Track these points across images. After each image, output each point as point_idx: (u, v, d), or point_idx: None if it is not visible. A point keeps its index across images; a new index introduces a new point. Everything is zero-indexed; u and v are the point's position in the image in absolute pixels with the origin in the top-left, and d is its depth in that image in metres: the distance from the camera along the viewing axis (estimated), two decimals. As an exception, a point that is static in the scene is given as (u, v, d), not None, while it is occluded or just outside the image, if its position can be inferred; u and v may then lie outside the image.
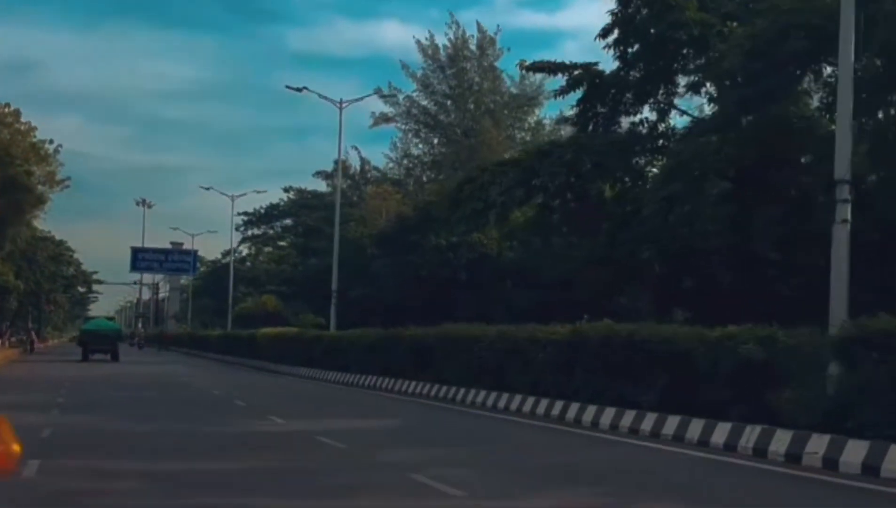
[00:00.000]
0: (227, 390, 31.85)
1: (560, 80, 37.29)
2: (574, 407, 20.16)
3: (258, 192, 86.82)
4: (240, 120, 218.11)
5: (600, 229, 38.69)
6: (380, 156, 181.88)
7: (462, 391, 25.96)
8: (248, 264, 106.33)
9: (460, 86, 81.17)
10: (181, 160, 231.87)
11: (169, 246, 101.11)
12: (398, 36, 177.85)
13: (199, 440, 17.24)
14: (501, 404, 23.44)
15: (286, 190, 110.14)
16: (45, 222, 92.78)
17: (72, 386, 34.43)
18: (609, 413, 19.03)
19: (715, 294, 36.44)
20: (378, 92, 67.18)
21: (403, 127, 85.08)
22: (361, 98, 63.29)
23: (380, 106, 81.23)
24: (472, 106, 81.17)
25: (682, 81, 36.74)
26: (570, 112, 39.97)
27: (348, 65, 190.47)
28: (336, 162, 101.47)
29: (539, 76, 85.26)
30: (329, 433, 17.97)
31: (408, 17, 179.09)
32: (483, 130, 75.79)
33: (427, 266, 57.43)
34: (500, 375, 24.02)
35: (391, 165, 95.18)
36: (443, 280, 57.70)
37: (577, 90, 37.00)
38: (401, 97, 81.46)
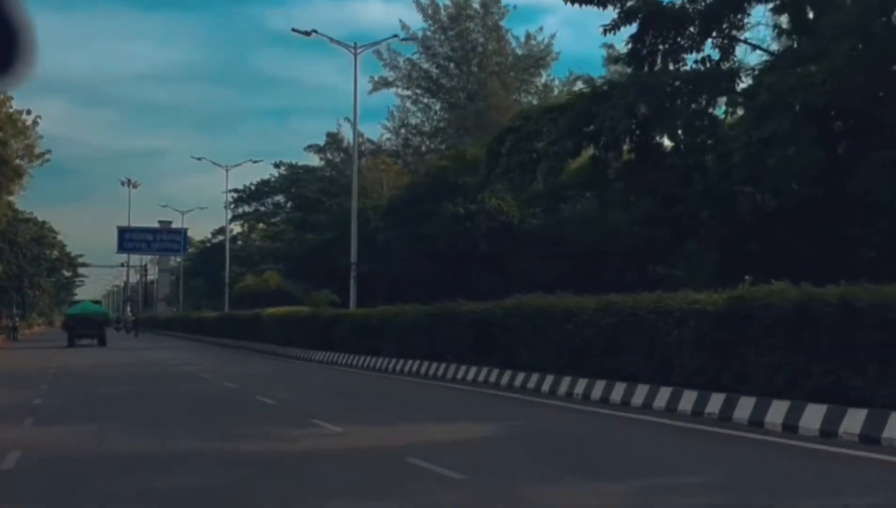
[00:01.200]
0: (243, 382, 25.91)
1: (610, 13, 31.40)
2: (778, 406, 13.65)
3: (254, 162, 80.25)
4: (223, 101, 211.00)
5: (660, 184, 32.85)
6: (373, 130, 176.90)
7: (549, 378, 20.06)
8: (240, 242, 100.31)
9: (463, 48, 75.12)
10: (165, 143, 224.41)
11: (157, 226, 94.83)
12: (380, 15, 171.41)
13: (244, 465, 11.35)
14: (616, 397, 17.55)
15: (277, 165, 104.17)
16: (27, 204, 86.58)
17: (54, 380, 28.50)
18: (820, 413, 13.05)
19: (787, 257, 30.93)
20: (396, 37, 61.02)
21: (403, 93, 79.03)
22: (378, 43, 57.04)
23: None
24: (475, 69, 75.17)
25: (758, 7, 31.05)
26: (623, 49, 33.93)
27: (329, 45, 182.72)
28: (339, 127, 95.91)
29: (546, 35, 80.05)
30: (419, 449, 12.13)
31: None
32: (491, 92, 69.76)
33: (444, 237, 51.56)
34: (606, 357, 18.18)
35: (388, 135, 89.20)
36: (460, 252, 51.87)
37: (631, 24, 31.18)
38: (401, 60, 75.36)
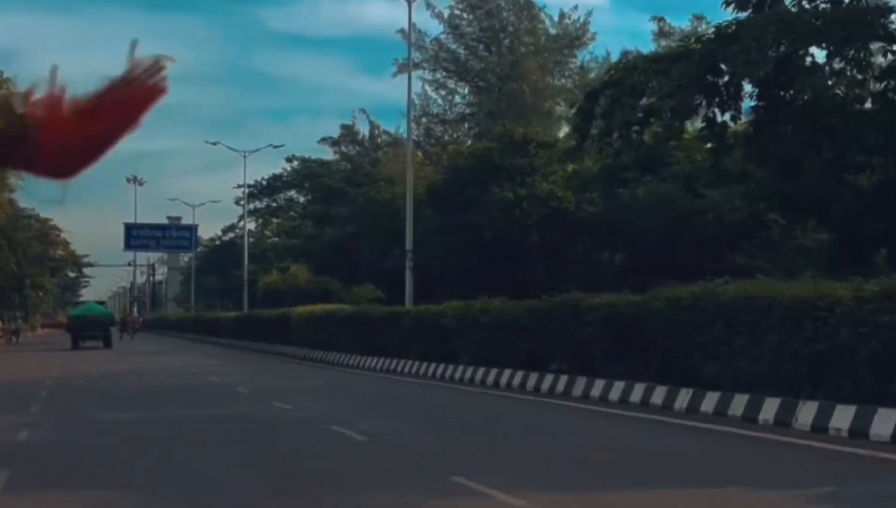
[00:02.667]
0: (296, 399, 19.29)
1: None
2: None
3: (275, 147, 73.56)
4: (226, 102, 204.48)
5: (786, 150, 26.29)
6: (389, 122, 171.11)
7: (774, 404, 13.22)
8: (251, 239, 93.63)
9: (492, 27, 68.49)
10: (169, 144, 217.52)
11: (166, 222, 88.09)
12: (383, 15, 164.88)
13: None
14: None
15: (289, 160, 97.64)
16: (28, 202, 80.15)
17: (50, 397, 21.93)
18: None
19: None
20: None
21: (428, 78, 72.37)
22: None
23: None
24: (506, 50, 68.54)
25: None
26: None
27: (332, 45, 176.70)
28: (354, 120, 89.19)
29: (582, 12, 73.46)
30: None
31: None
32: (526, 72, 63.06)
33: (490, 226, 45.00)
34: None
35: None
36: (509, 243, 45.26)
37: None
38: (427, 40, 68.72)
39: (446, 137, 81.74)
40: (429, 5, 68.26)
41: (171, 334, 76.68)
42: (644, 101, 25.27)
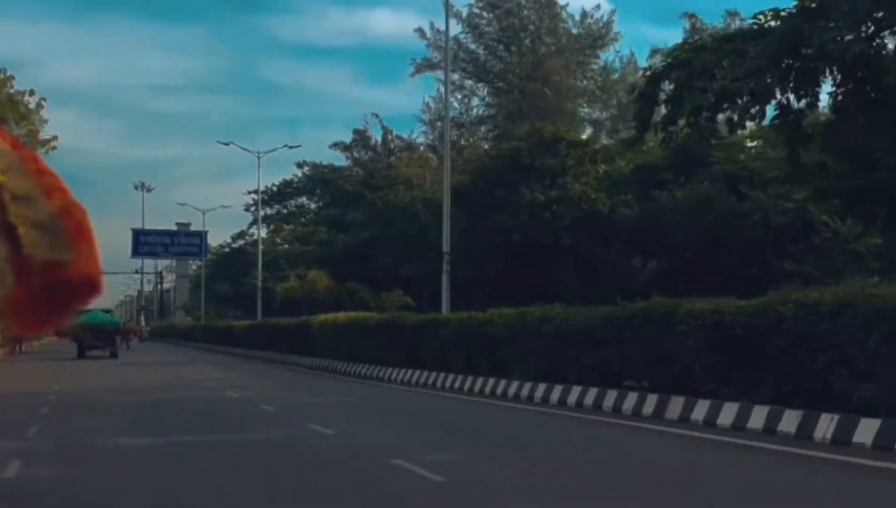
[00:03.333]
0: (336, 422, 16.31)
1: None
2: None
3: (290, 147, 70.07)
4: (233, 111, 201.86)
5: (870, 141, 23.39)
6: (402, 126, 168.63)
7: None
8: (262, 246, 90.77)
9: (512, 27, 65.72)
10: (176, 153, 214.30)
11: (174, 228, 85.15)
12: (390, 24, 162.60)
13: None
14: None
15: (300, 165, 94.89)
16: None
17: (50, 417, 19.09)
18: None
19: None
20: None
21: (444, 78, 69.47)
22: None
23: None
24: (526, 49, 65.73)
25: None
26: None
27: (339, 54, 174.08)
28: (366, 124, 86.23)
29: (607, 10, 70.76)
30: None
31: (399, 4, 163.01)
32: (549, 72, 60.19)
33: (519, 229, 42.03)
34: None
35: (424, 128, 79.91)
36: (540, 247, 42.32)
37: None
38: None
39: (462, 142, 79.02)
40: (447, 4, 65.55)
41: (180, 343, 73.73)
42: (716, 84, 22.42)
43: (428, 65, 65.55)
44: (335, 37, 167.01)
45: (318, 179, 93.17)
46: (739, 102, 21.49)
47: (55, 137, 51.46)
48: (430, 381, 24.73)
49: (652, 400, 15.48)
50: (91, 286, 3.01)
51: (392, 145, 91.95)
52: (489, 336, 21.74)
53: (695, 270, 39.99)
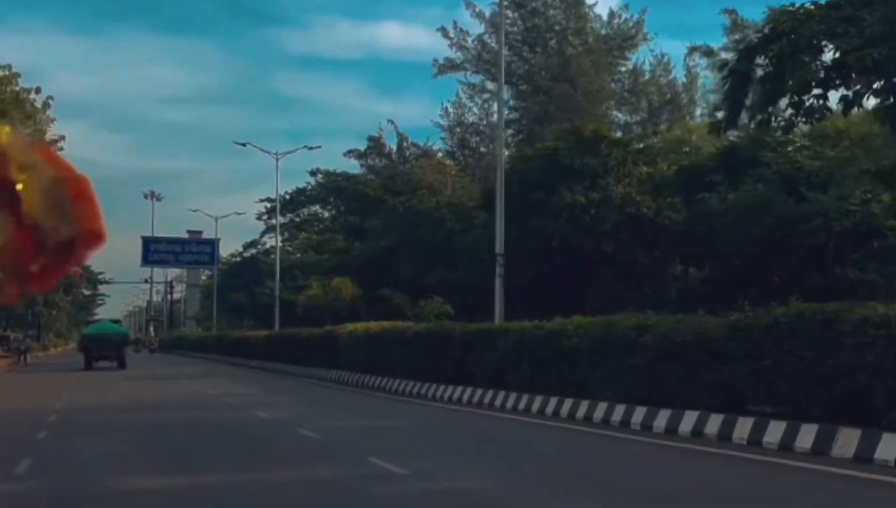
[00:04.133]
0: (424, 463, 12.78)
1: None
2: None
3: (309, 148, 66.58)
4: (243, 124, 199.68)
5: None
6: (418, 133, 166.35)
7: None
8: (275, 256, 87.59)
9: (537, 28, 62.42)
10: (186, 165, 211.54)
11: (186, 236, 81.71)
12: (398, 37, 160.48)
13: None
14: None
15: (313, 173, 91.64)
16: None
17: (52, 439, 15.88)
18: None
19: None
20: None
21: (468, 81, 66.27)
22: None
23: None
24: (552, 52, 62.42)
25: None
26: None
27: (348, 67, 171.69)
28: (381, 131, 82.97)
29: (635, 11, 67.22)
30: None
31: (407, 18, 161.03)
32: (580, 72, 56.85)
33: (558, 233, 38.61)
34: None
35: (443, 134, 76.60)
36: (580, 253, 38.91)
37: None
38: (469, 39, 62.68)
39: (482, 148, 75.72)
40: (468, 4, 62.41)
41: (191, 354, 70.25)
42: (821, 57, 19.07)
43: (450, 66, 62.25)
44: (344, 49, 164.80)
45: (332, 188, 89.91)
46: (864, 72, 18.05)
47: (63, 137, 48.24)
48: (486, 400, 21.27)
49: (808, 431, 12.02)
50: (94, 237, 3.04)
51: (408, 153, 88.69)
52: (562, 349, 18.30)
53: (748, 278, 36.65)
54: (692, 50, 51.53)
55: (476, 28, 63.17)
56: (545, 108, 58.13)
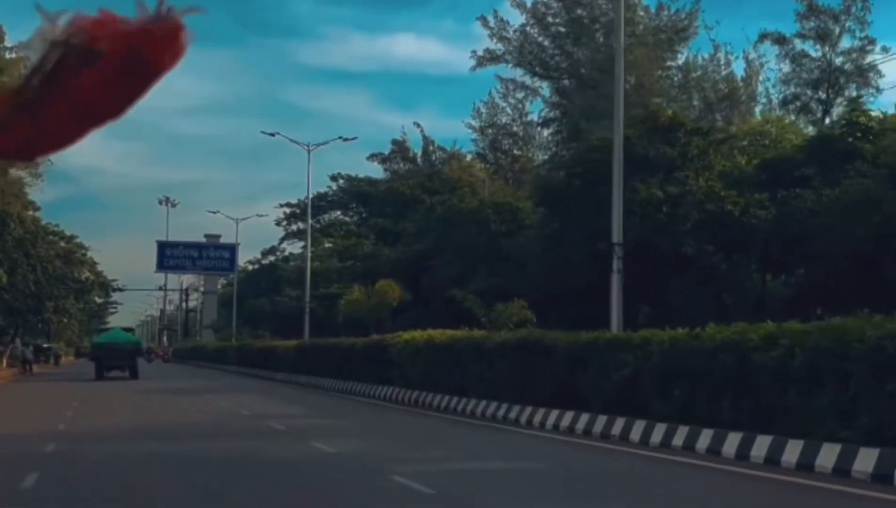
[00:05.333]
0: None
1: None
2: None
3: (344, 139, 60.31)
4: (255, 135, 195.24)
5: None
6: (442, 135, 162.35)
7: None
8: (296, 263, 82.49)
9: (580, 20, 57.24)
10: (198, 175, 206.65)
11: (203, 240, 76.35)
12: (412, 50, 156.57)
13: None
14: None
15: (334, 179, 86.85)
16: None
17: (40, 492, 10.43)
18: None
19: None
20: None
21: (507, 77, 61.14)
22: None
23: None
24: (597, 45, 57.25)
25: None
26: None
27: (361, 79, 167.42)
28: (404, 135, 77.73)
29: (688, 2, 62.10)
30: None
31: (421, 30, 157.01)
32: (634, 63, 51.59)
33: (633, 233, 33.20)
34: None
35: (474, 135, 71.65)
36: (656, 255, 33.56)
37: None
38: (511, 30, 57.54)
39: (515, 151, 70.62)
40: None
41: (209, 365, 64.80)
42: None
43: (490, 57, 57.01)
44: (358, 61, 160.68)
45: (354, 193, 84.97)
46: None
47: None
48: (615, 432, 15.91)
49: None
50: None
51: (433, 157, 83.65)
52: (754, 367, 12.95)
53: (852, 283, 31.35)
54: (762, 37, 46.34)
55: (515, 18, 58.12)
56: (592, 103, 52.80)
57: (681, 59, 57.48)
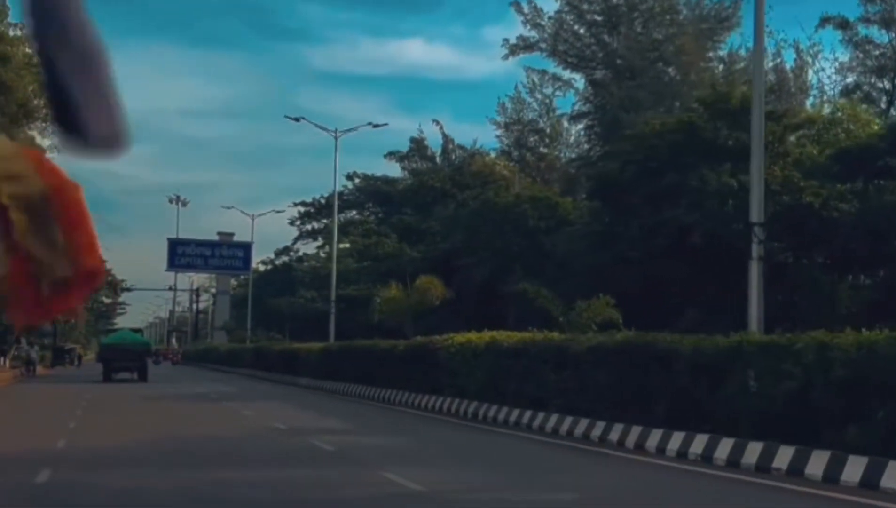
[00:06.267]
0: None
1: None
2: None
3: (374, 126, 56.27)
4: (265, 138, 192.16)
5: None
6: (462, 134, 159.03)
7: None
8: (312, 263, 78.80)
9: (616, 9, 53.47)
10: (208, 178, 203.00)
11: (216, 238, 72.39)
12: (421, 55, 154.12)
13: None
14: None
15: (349, 177, 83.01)
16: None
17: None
18: None
19: None
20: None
21: (539, 68, 57.38)
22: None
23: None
24: (636, 35, 53.48)
25: None
26: None
27: (371, 83, 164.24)
28: (421, 132, 74.09)
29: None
30: None
31: (431, 35, 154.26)
32: (683, 49, 47.76)
33: (701, 226, 29.51)
34: None
35: (499, 132, 67.91)
36: (729, 250, 29.66)
37: None
38: (545, 18, 53.74)
39: (542, 148, 66.82)
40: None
41: (221, 368, 60.85)
42: None
43: (524, 45, 53.17)
44: (367, 66, 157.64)
45: (371, 192, 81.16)
46: None
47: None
48: (779, 465, 12.03)
49: None
50: (90, 278, 2.52)
51: (453, 156, 79.85)
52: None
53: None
54: (823, 21, 42.43)
55: (549, 5, 54.39)
56: (632, 93, 48.99)
57: (725, 49, 53.64)
